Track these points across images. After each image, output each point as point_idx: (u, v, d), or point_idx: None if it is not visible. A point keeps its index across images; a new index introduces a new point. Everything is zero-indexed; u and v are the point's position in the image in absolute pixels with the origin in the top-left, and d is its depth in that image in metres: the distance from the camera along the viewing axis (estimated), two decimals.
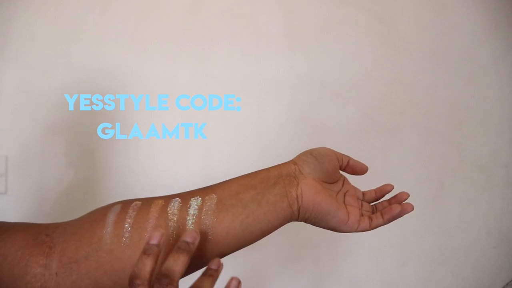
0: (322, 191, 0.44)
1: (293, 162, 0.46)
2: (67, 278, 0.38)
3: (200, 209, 0.42)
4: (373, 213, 0.49)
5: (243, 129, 1.02)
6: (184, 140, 1.00)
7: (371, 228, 0.47)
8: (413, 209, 0.47)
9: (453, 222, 1.07)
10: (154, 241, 0.37)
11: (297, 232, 1.01)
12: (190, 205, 0.42)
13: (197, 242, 0.39)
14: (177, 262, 0.36)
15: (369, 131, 1.04)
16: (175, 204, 0.42)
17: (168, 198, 0.43)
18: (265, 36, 1.03)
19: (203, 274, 0.39)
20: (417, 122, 1.06)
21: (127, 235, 0.40)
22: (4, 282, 0.37)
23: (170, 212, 0.41)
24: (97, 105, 0.98)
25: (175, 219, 0.41)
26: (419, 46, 1.08)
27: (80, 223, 0.42)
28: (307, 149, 0.48)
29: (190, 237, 0.39)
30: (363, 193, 0.51)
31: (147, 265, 0.35)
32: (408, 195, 0.49)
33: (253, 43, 1.03)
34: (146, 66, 1.00)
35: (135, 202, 0.42)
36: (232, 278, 0.40)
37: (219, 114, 1.01)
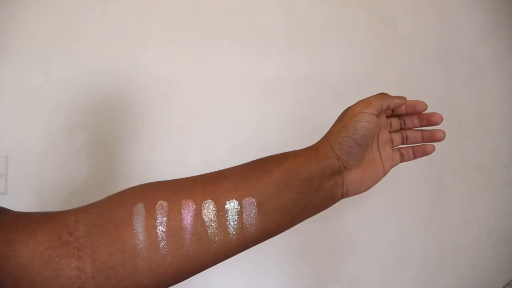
0: (365, 177, 0.44)
1: (336, 156, 0.41)
2: (106, 282, 0.37)
3: (240, 214, 0.39)
4: (401, 129, 0.49)
5: (243, 129, 1.02)
6: (184, 140, 1.00)
7: (402, 161, 0.48)
8: (444, 135, 0.48)
9: (453, 222, 1.06)
10: None
11: (297, 232, 1.01)
12: (228, 210, 0.39)
13: None
14: None
15: None
16: (210, 208, 0.39)
17: (197, 199, 0.40)
18: (265, 36, 1.03)
19: None
20: None
21: (163, 243, 0.38)
22: (36, 283, 0.36)
23: (206, 218, 0.39)
24: (96, 105, 0.98)
25: (213, 225, 0.39)
26: (419, 46, 1.08)
27: (102, 222, 0.39)
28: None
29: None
30: (392, 109, 0.48)
31: None
32: (442, 119, 0.47)
33: (253, 43, 1.03)
34: (146, 66, 1.00)
35: (159, 202, 0.39)
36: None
37: (219, 114, 1.01)
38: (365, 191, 0.45)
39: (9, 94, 0.96)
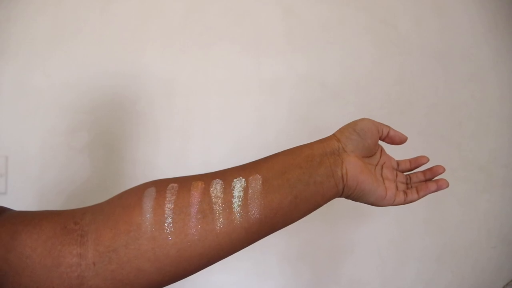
0: (365, 170, 0.45)
1: (336, 138, 0.46)
2: (106, 267, 0.37)
3: (245, 190, 0.40)
4: (407, 183, 0.51)
5: (243, 129, 1.02)
6: (184, 140, 1.00)
7: (406, 202, 0.48)
8: (448, 185, 0.49)
9: (453, 222, 1.06)
10: None
11: (297, 232, 1.01)
12: (234, 187, 0.40)
13: None
14: None
15: None
16: (217, 186, 0.40)
17: (207, 179, 0.41)
18: (265, 36, 1.03)
19: None
20: (417, 122, 1.06)
21: (169, 220, 0.38)
22: (36, 273, 0.36)
23: (213, 195, 0.40)
24: (96, 105, 0.98)
25: (219, 202, 0.39)
26: (419, 46, 1.08)
27: (111, 208, 0.40)
28: None
29: None
30: (398, 163, 0.52)
31: None
32: (444, 169, 0.50)
33: (253, 43, 1.03)
34: (146, 66, 1.00)
35: (171, 185, 0.40)
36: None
37: (219, 114, 1.01)
38: (363, 184, 0.44)
39: (9, 94, 0.96)
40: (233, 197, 0.40)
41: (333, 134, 0.47)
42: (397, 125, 1.06)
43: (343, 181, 0.44)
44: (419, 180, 0.51)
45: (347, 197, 0.47)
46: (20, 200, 0.95)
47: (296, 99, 1.03)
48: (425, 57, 1.08)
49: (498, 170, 1.08)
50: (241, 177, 0.41)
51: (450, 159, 1.08)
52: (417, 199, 0.49)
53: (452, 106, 1.08)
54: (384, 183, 0.47)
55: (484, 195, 1.08)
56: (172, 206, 0.39)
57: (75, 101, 0.98)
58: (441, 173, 0.50)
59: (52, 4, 0.98)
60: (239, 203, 0.40)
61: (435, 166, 0.51)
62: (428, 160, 0.51)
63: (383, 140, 0.50)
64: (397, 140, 0.49)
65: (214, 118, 1.01)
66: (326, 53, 1.05)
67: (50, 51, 0.98)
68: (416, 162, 0.52)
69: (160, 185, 0.41)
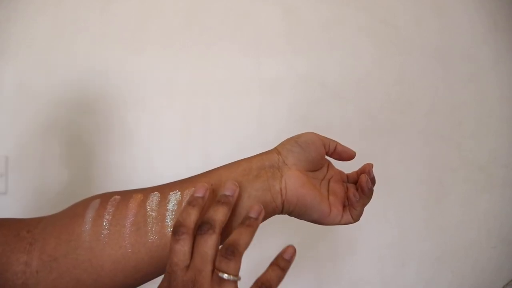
0: (306, 184, 0.43)
1: (277, 151, 0.45)
2: (48, 277, 0.37)
3: (179, 204, 0.40)
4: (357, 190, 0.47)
5: (243, 129, 1.02)
6: (184, 140, 1.00)
7: (355, 220, 0.46)
8: (372, 165, 0.46)
9: (453, 222, 1.06)
10: (199, 194, 0.37)
11: (297, 232, 1.01)
12: (169, 200, 0.40)
13: (236, 194, 0.39)
14: (217, 212, 0.36)
15: (369, 131, 1.04)
16: (154, 199, 0.40)
17: (147, 192, 0.41)
18: (265, 36, 1.03)
19: (241, 224, 0.37)
20: (417, 122, 1.06)
21: (105, 232, 0.38)
22: None
23: (148, 208, 0.40)
24: (96, 105, 0.98)
25: (153, 215, 0.39)
26: (419, 46, 1.08)
27: (60, 218, 0.41)
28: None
29: (229, 190, 0.38)
30: (347, 176, 0.49)
31: (192, 214, 0.36)
32: (371, 165, 0.47)
33: (253, 43, 1.03)
34: (146, 66, 1.00)
35: (114, 197, 0.41)
36: (288, 246, 0.38)
37: (219, 114, 1.01)
38: (304, 199, 0.42)
39: (9, 94, 0.96)
40: (167, 210, 0.40)
41: (275, 148, 0.46)
42: (397, 125, 1.07)
43: (281, 195, 0.42)
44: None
45: (290, 214, 0.45)
46: (20, 200, 0.95)
47: (296, 99, 1.03)
48: (425, 57, 1.08)
49: (498, 170, 1.09)
50: (177, 191, 0.41)
51: (450, 159, 1.08)
52: (360, 211, 0.46)
53: (452, 106, 1.08)
54: (328, 199, 0.45)
55: (484, 195, 1.08)
56: (110, 217, 0.39)
57: (75, 101, 0.98)
58: (372, 167, 0.46)
59: (52, 4, 0.98)
60: (172, 217, 0.39)
61: (363, 165, 0.47)
62: (373, 166, 0.47)
63: (330, 156, 0.47)
64: (345, 156, 0.47)
65: (214, 118, 1.01)
66: (326, 53, 1.05)
67: (50, 51, 0.98)
68: (363, 171, 0.48)
69: (105, 197, 0.41)
